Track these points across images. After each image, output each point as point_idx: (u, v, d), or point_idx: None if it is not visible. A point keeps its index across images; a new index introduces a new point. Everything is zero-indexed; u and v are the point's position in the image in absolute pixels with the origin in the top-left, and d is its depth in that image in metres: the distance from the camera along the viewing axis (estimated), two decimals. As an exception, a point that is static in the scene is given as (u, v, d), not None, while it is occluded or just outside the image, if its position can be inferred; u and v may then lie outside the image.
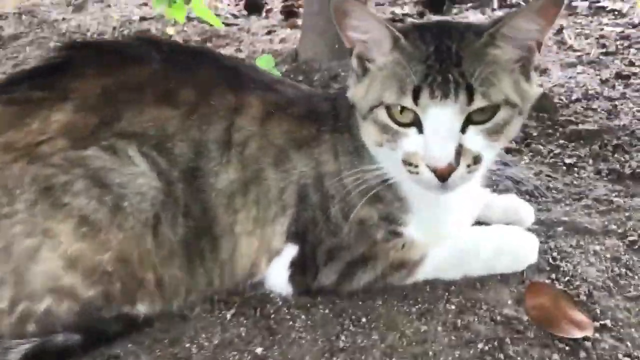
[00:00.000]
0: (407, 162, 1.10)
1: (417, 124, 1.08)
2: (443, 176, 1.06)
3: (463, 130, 1.07)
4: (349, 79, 1.23)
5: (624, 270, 1.32)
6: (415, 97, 1.06)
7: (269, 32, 2.88)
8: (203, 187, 1.20)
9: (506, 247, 1.31)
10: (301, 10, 2.82)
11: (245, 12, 3.15)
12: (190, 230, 1.19)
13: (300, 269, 1.25)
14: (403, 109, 1.08)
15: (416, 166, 1.08)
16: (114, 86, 1.19)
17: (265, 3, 3.29)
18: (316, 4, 2.22)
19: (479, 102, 1.06)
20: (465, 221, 1.34)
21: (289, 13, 3.03)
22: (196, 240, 1.20)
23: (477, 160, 1.08)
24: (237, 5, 3.31)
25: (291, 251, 1.25)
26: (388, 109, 1.10)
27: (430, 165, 1.06)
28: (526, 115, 1.17)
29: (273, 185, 1.23)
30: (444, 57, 1.07)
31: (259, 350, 1.15)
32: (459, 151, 1.06)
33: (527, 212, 1.46)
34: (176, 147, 1.19)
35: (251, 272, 1.26)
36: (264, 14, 3.11)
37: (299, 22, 2.71)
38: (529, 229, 1.40)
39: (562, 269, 1.33)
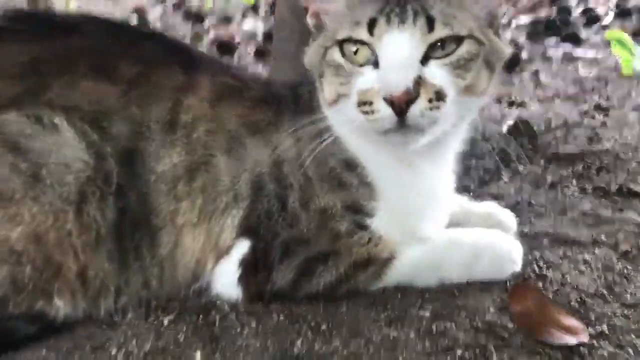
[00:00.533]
0: (361, 103, 0.98)
1: (373, 62, 0.99)
2: (400, 107, 0.94)
3: (424, 62, 0.97)
4: (304, 48, 1.12)
5: (618, 278, 1.18)
6: (371, 29, 0.98)
7: (239, 71, 2.80)
8: (141, 170, 1.05)
9: (488, 250, 1.16)
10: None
11: (217, 54, 3.09)
12: (124, 217, 1.03)
13: (251, 268, 1.08)
14: (357, 47, 0.99)
15: (371, 103, 0.97)
16: (45, 56, 1.06)
17: (238, 45, 3.25)
18: (287, 29, 2.14)
19: (440, 31, 0.98)
20: (440, 218, 1.20)
21: (260, 53, 2.97)
22: (131, 231, 1.04)
23: (439, 96, 0.97)
24: (209, 49, 3.26)
25: (242, 248, 1.09)
26: (341, 47, 1.01)
27: (386, 94, 0.94)
28: (498, 78, 1.08)
29: (224, 174, 1.09)
30: None
31: (197, 356, 0.97)
32: (419, 82, 0.95)
33: (509, 219, 1.32)
34: (113, 126, 1.05)
35: (196, 273, 1.10)
36: (236, 56, 3.05)
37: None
38: (512, 239, 1.27)
39: (549, 278, 1.19)
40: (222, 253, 1.09)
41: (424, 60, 0.97)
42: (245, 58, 3.09)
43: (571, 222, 1.41)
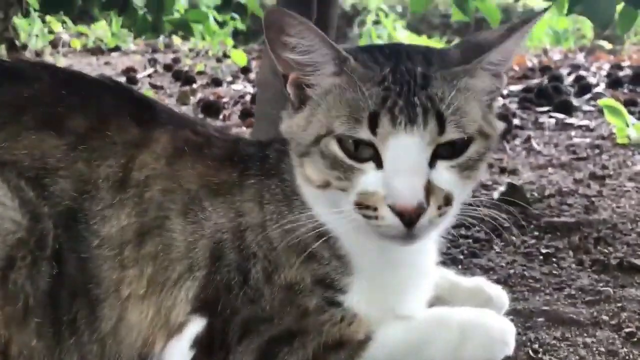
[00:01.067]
0: (362, 206, 0.88)
1: (375, 158, 0.88)
2: (411, 219, 0.85)
3: (431, 165, 0.88)
4: (282, 112, 1.02)
5: (624, 365, 1.04)
6: (373, 126, 0.87)
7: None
8: (85, 233, 0.93)
9: (477, 331, 1.03)
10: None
11: (201, 115, 3.02)
12: (60, 285, 0.90)
13: (206, 350, 0.95)
14: (358, 142, 0.88)
15: (375, 209, 0.87)
16: None
17: (224, 107, 3.18)
18: (270, 91, 2.07)
19: (451, 133, 0.88)
20: (423, 295, 1.07)
21: (246, 114, 2.90)
22: (68, 301, 0.91)
23: (448, 201, 0.88)
24: (195, 109, 3.19)
25: (197, 326, 0.95)
26: (340, 140, 0.89)
27: (396, 206, 0.85)
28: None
29: (179, 239, 0.97)
30: (405, 79, 0.90)
31: None
32: (428, 189, 0.86)
33: (500, 296, 1.19)
34: (56, 183, 0.93)
35: (142, 353, 0.95)
36: (221, 117, 2.98)
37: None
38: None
39: (545, 363, 1.05)
40: (173, 331, 0.96)
41: (432, 161, 0.88)
42: (230, 118, 3.02)
43: (569, 298, 1.28)
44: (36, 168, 0.94)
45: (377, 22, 7.03)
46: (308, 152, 0.93)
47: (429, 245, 1.07)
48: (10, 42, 2.30)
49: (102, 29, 6.57)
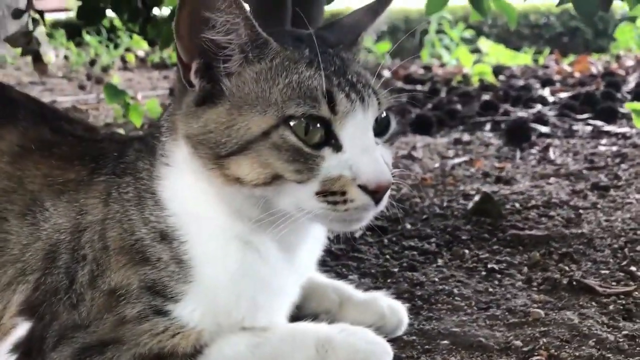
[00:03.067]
0: (327, 193, 0.84)
1: (329, 141, 0.85)
2: (382, 194, 0.85)
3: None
4: (170, 112, 0.96)
5: (506, 398, 0.89)
6: (331, 105, 0.84)
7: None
8: None
9: (339, 350, 0.91)
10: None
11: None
12: None
13: (24, 356, 0.89)
14: (309, 126, 0.83)
15: (343, 193, 0.84)
16: None
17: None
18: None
19: (383, 108, 0.91)
20: (279, 308, 0.97)
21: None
22: None
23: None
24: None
25: (21, 330, 0.90)
26: (292, 127, 0.83)
27: (370, 185, 0.83)
28: None
29: (14, 241, 0.93)
30: (329, 60, 0.88)
31: None
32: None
33: (395, 313, 1.07)
34: None
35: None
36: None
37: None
38: (398, 339, 1.04)
39: (420, 392, 0.92)
40: (3, 334, 0.91)
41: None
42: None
43: (489, 319, 1.13)
44: None
45: (440, 31, 6.82)
46: (245, 149, 0.84)
47: (297, 256, 0.98)
48: (35, 53, 2.38)
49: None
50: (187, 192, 0.91)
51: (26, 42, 2.37)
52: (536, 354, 1.00)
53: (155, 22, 3.11)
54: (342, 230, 0.94)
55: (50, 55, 6.16)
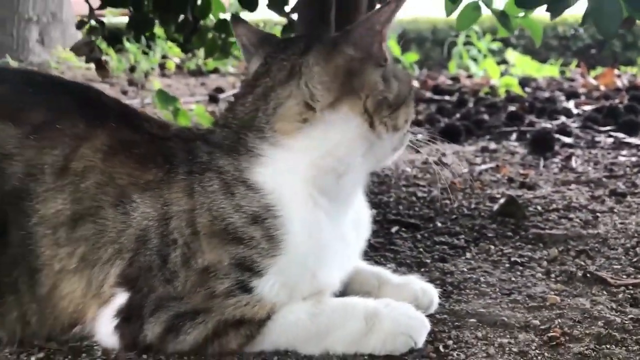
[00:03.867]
0: None
1: None
2: None
3: None
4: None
5: (525, 365, 1.05)
6: None
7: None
8: (28, 211, 1.10)
9: (384, 323, 1.09)
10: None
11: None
12: (5, 252, 1.07)
13: (126, 319, 1.08)
14: None
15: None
16: None
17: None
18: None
19: None
20: (339, 273, 1.15)
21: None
22: (9, 266, 1.08)
23: None
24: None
25: (121, 298, 1.09)
26: None
27: None
28: None
29: (110, 227, 1.10)
30: None
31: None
32: None
33: (427, 294, 1.24)
34: (9, 167, 1.11)
35: (75, 318, 1.10)
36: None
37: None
38: (431, 317, 1.20)
39: (450, 358, 1.08)
40: (104, 301, 1.10)
41: None
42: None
43: (511, 303, 1.29)
44: None
45: (468, 43, 6.97)
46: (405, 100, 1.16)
47: (355, 237, 1.17)
48: (97, 61, 2.61)
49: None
50: (287, 171, 1.09)
51: (89, 51, 2.59)
52: (552, 331, 1.16)
53: (200, 33, 3.32)
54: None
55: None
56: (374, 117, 1.12)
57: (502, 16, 2.19)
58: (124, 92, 5.12)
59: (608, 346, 1.12)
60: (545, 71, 6.41)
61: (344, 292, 1.21)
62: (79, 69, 6.20)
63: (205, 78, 6.41)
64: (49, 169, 1.11)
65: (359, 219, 1.22)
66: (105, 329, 1.09)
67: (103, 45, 7.35)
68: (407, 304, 1.15)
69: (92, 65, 2.51)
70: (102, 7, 2.44)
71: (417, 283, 1.26)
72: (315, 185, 1.10)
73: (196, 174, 1.13)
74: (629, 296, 1.32)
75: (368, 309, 1.10)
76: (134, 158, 1.14)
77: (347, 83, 1.11)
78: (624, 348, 1.11)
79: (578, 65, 6.77)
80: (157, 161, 1.15)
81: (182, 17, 2.72)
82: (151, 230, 1.10)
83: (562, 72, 6.51)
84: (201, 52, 7.17)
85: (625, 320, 1.21)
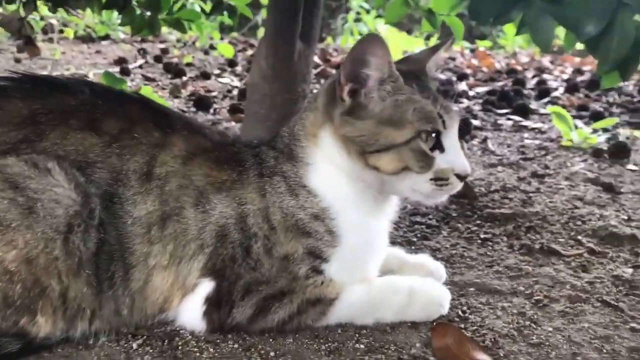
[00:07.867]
0: (438, 179, 1.27)
1: (438, 146, 1.27)
2: (465, 179, 1.31)
3: None
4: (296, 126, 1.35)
5: (528, 322, 1.37)
6: (442, 122, 1.28)
7: (213, 123, 3.02)
8: (120, 212, 1.22)
9: (420, 295, 1.36)
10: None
11: (193, 109, 3.29)
12: (103, 249, 1.20)
13: (215, 305, 1.25)
14: (428, 136, 1.26)
15: (446, 179, 1.27)
16: (42, 110, 1.23)
17: (214, 101, 3.46)
18: (258, 93, 2.36)
19: (460, 115, 1.35)
20: (378, 265, 1.40)
21: (235, 110, 3.19)
22: (107, 262, 1.20)
23: None
24: (187, 103, 3.46)
25: (207, 287, 1.25)
26: (422, 138, 1.25)
27: (462, 173, 1.28)
28: None
29: (192, 225, 1.25)
30: (428, 89, 1.32)
31: (161, 374, 1.13)
32: None
33: (438, 269, 1.52)
34: (95, 173, 1.22)
35: (162, 307, 1.25)
36: (212, 111, 3.26)
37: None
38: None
39: (470, 320, 1.38)
40: (187, 291, 1.25)
41: None
42: (220, 113, 3.30)
43: (496, 274, 1.61)
44: (80, 160, 1.22)
45: (358, 20, 7.33)
46: (388, 149, 1.25)
47: (386, 228, 1.41)
48: (27, 38, 2.56)
49: (90, 17, 6.77)
50: (330, 180, 1.30)
51: (19, 27, 2.55)
52: (535, 295, 1.50)
53: (129, 11, 3.33)
54: (434, 203, 1.35)
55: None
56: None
57: (429, 13, 2.50)
58: (17, 61, 4.86)
59: (579, 304, 1.47)
60: (415, 44, 6.84)
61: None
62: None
63: (98, 45, 6.19)
64: (133, 174, 1.24)
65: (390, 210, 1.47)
66: (190, 314, 1.26)
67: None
68: (431, 279, 1.43)
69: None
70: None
71: (429, 261, 1.54)
72: (355, 191, 1.32)
73: (266, 177, 1.31)
74: (579, 264, 1.69)
75: (406, 285, 1.36)
76: (209, 161, 1.30)
77: None
78: (590, 305, 1.47)
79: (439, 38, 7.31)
80: (230, 165, 1.31)
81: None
82: (230, 226, 1.27)
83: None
84: (88, 15, 6.90)
85: (583, 283, 1.58)
